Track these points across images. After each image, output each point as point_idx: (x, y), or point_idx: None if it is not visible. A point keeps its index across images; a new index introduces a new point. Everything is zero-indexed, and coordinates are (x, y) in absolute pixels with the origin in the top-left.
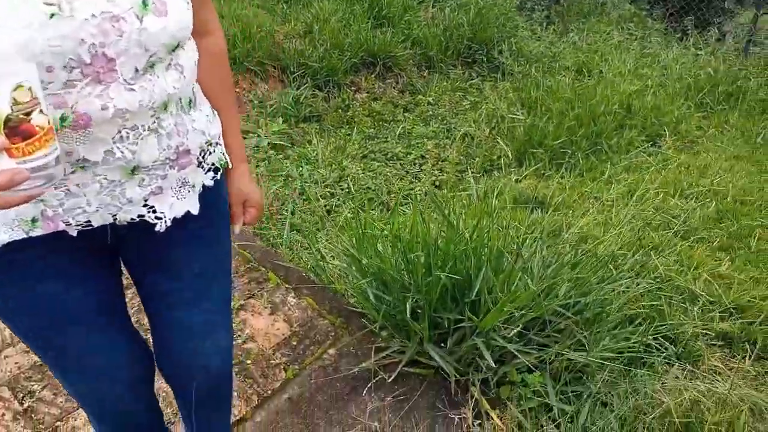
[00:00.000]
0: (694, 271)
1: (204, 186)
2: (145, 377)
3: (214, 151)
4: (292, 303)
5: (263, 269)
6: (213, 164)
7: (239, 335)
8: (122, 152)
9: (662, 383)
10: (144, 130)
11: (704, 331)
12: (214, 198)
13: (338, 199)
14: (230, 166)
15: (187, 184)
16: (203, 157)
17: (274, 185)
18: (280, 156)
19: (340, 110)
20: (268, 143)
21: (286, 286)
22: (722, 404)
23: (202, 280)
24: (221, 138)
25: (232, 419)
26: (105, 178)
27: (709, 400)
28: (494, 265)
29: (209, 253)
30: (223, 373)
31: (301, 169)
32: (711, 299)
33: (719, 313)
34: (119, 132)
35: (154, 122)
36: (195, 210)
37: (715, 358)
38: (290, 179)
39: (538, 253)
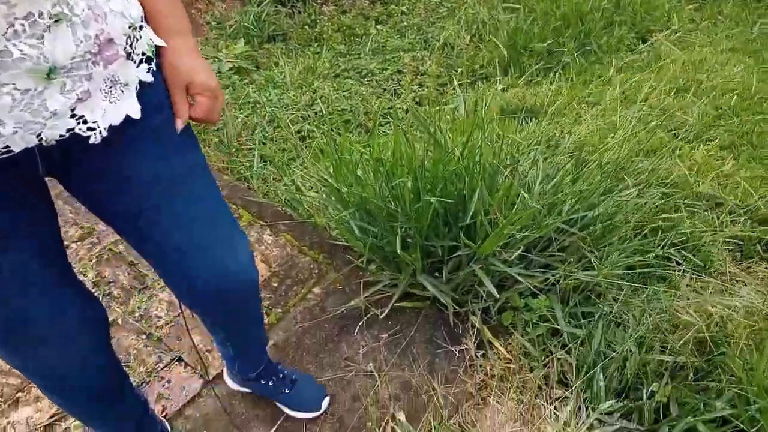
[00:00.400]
0: (698, 174)
1: (142, 83)
2: (99, 336)
3: (141, 37)
4: (269, 241)
5: (234, 206)
6: (143, 53)
7: None
8: (22, 51)
9: (679, 296)
10: (46, 18)
11: (717, 238)
12: (157, 96)
13: (311, 124)
14: (153, 59)
15: (119, 83)
16: (131, 46)
17: (241, 113)
18: (245, 81)
19: (306, 27)
20: (231, 68)
21: (261, 223)
22: (749, 315)
23: (159, 191)
24: (145, 21)
25: (213, 373)
26: (15, 89)
27: (734, 311)
28: (489, 183)
29: (160, 159)
30: (221, 295)
31: (268, 93)
32: (718, 202)
33: (730, 217)
34: (11, 26)
35: (56, 5)
36: (135, 113)
37: (728, 264)
38: (258, 106)
39: (537, 166)
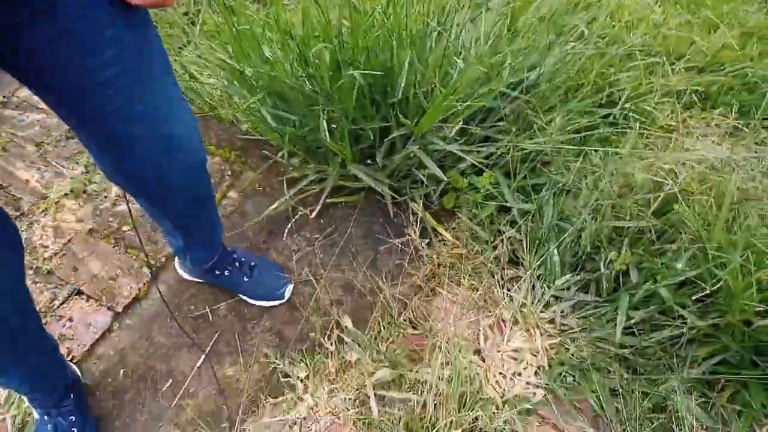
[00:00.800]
0: (630, 26)
1: None
2: (17, 263)
3: None
4: None
5: None
6: None
7: (105, 197)
8: None
9: (630, 156)
10: None
11: (658, 90)
12: None
13: (199, 5)
14: None
15: None
16: None
17: None
18: None
19: None
20: None
21: None
22: (702, 164)
23: (100, 65)
24: None
25: (123, 302)
26: None
27: (689, 165)
28: (419, 50)
29: (105, 27)
30: (169, 176)
31: None
32: (652, 53)
33: (665, 69)
34: None
35: None
36: None
37: (679, 116)
38: None
39: (469, 26)
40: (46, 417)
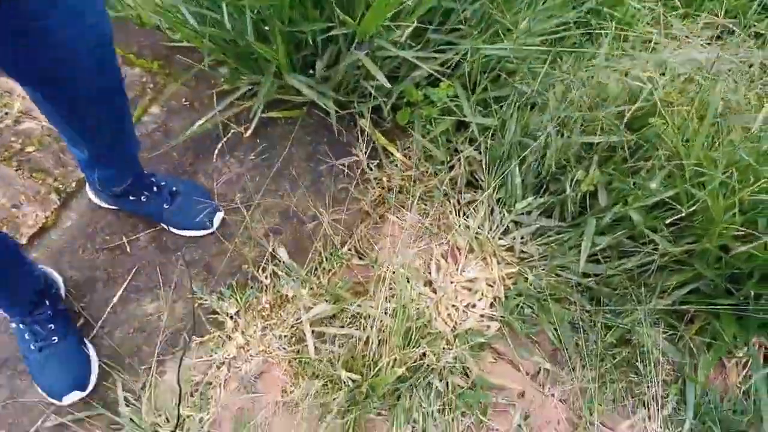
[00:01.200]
0: None
1: None
2: None
3: None
4: None
5: None
6: None
7: (6, 113)
8: None
9: (605, 64)
10: None
11: None
12: None
13: None
14: None
15: None
16: None
17: None
18: None
19: None
20: None
21: None
22: (686, 67)
23: None
24: None
25: (28, 233)
26: None
27: (669, 72)
28: None
29: None
30: (71, 46)
31: None
32: None
33: None
34: None
35: None
36: None
37: (651, 21)
38: None
39: None
40: (21, 325)
